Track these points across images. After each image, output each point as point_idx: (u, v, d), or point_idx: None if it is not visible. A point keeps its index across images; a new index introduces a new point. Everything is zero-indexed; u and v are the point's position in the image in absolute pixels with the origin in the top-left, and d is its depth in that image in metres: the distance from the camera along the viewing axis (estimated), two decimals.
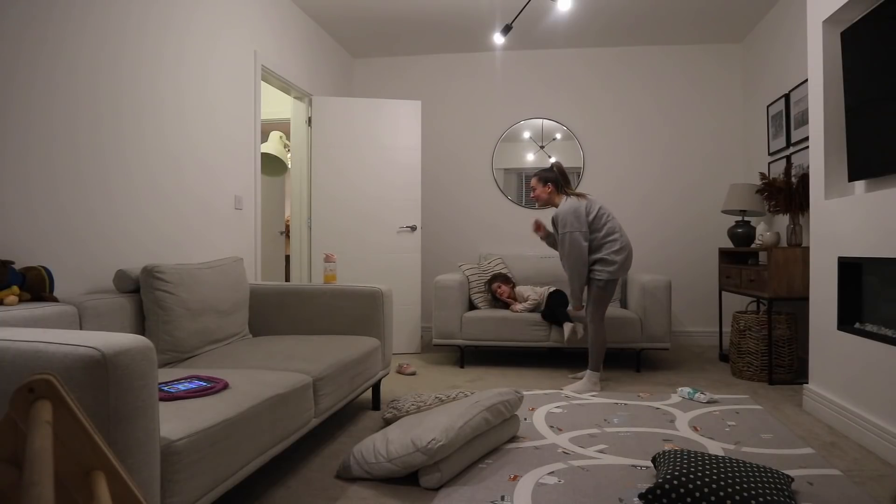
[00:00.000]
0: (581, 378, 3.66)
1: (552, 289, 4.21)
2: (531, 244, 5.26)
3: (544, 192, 3.51)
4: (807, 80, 3.66)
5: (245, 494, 1.99)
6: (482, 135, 5.35)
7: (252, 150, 3.71)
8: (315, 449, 2.45)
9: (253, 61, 3.69)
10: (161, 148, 2.85)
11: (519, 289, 4.31)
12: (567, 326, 3.80)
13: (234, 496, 1.97)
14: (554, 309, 3.94)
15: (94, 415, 1.16)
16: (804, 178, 3.58)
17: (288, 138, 5.29)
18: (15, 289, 1.90)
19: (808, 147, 3.48)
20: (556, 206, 3.50)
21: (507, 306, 4.23)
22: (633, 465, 2.22)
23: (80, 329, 2.03)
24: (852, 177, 2.61)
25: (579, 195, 3.44)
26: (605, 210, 3.42)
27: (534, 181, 3.56)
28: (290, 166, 5.08)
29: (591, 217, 3.38)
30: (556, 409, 2.98)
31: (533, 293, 4.17)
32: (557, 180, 3.49)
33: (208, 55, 3.22)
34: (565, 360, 4.35)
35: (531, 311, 4.06)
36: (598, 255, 3.36)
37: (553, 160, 3.50)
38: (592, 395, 3.26)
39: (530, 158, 5.26)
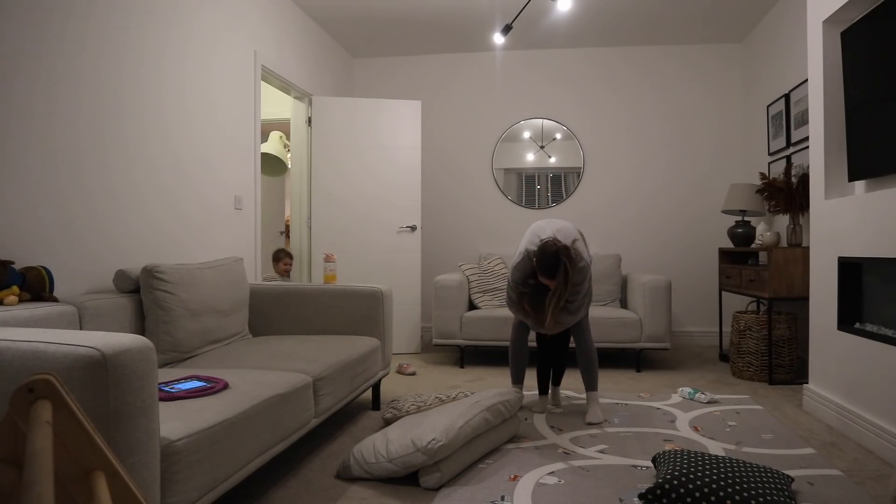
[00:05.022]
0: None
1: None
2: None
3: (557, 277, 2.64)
4: (807, 80, 3.65)
5: (245, 494, 1.99)
6: (482, 135, 5.35)
7: (252, 150, 3.71)
8: (315, 449, 2.45)
9: (253, 61, 3.69)
10: (163, 148, 2.85)
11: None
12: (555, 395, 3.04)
13: (234, 496, 1.97)
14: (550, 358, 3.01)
15: (94, 415, 1.16)
16: (804, 178, 3.58)
17: (288, 138, 5.29)
18: (15, 289, 1.90)
19: (808, 147, 3.48)
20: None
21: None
22: (633, 465, 2.22)
23: (80, 329, 2.03)
24: (852, 177, 2.61)
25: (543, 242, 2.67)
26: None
27: (548, 281, 2.65)
28: (290, 166, 5.08)
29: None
30: (556, 410, 2.98)
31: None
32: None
33: (209, 55, 3.22)
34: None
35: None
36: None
37: (542, 241, 2.66)
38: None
39: (530, 158, 5.26)
